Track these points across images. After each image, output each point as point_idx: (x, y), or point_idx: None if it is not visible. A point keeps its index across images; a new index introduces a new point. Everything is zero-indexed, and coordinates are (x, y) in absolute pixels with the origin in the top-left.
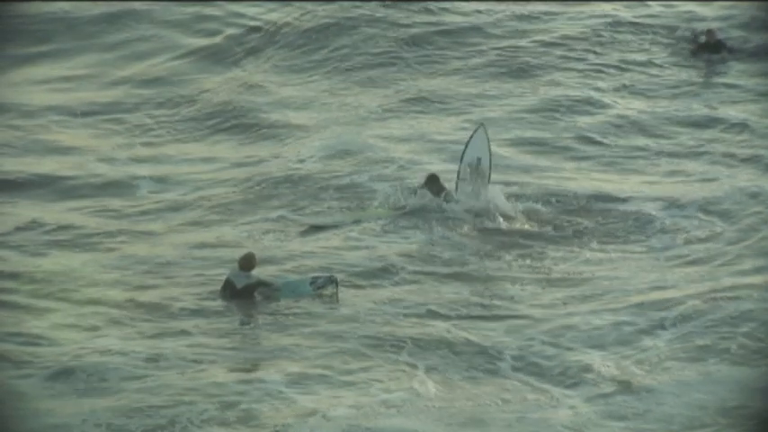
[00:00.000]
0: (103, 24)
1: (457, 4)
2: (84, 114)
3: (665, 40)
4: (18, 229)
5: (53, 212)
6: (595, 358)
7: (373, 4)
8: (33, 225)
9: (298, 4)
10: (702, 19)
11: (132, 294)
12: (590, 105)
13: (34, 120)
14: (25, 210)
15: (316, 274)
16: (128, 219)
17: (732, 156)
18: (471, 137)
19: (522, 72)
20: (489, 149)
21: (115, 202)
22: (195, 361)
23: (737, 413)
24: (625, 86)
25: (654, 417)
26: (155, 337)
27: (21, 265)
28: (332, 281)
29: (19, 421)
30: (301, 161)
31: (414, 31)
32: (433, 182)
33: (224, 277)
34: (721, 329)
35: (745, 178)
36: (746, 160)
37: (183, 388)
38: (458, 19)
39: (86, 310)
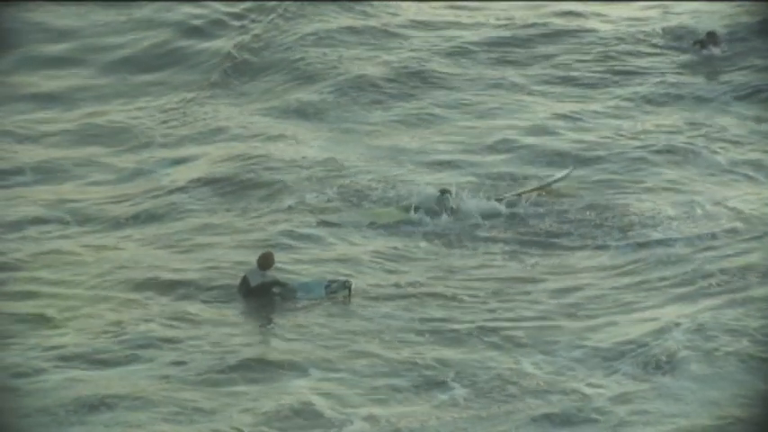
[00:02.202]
0: (102, 28)
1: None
2: (92, 104)
3: (665, 42)
4: (33, 217)
5: (67, 200)
6: (616, 357)
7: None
8: (47, 213)
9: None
10: (703, 17)
11: (146, 287)
12: (591, 107)
13: (43, 110)
14: (39, 198)
15: (331, 278)
16: (142, 206)
17: (734, 155)
18: (564, 172)
19: (521, 77)
20: (561, 178)
21: (129, 189)
22: (206, 360)
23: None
24: (625, 89)
25: (673, 412)
26: (166, 331)
27: (36, 252)
28: (346, 286)
29: (35, 414)
30: (307, 152)
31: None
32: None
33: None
34: (737, 324)
35: (748, 178)
36: (749, 161)
37: (193, 385)
38: (459, 27)
39: (99, 297)
